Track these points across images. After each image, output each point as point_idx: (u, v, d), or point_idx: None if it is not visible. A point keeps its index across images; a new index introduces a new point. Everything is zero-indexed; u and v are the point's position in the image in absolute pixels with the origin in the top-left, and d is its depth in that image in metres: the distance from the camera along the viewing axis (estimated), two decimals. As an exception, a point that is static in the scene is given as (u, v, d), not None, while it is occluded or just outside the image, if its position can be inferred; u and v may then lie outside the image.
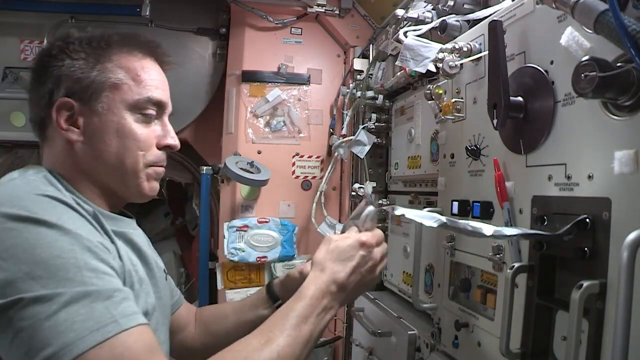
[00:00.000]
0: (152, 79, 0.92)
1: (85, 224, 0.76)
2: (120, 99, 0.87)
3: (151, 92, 0.90)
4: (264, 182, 1.96)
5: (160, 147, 0.93)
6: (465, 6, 1.22)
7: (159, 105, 0.93)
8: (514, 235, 0.77)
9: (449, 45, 1.08)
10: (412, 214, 0.78)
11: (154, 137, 0.92)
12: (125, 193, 0.93)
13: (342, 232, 0.97)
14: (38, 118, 0.89)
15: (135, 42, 0.93)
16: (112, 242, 0.81)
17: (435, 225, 0.74)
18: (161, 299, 0.94)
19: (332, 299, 0.87)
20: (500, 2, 1.08)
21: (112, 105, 0.87)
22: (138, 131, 0.89)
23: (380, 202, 1.79)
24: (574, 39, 0.74)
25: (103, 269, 0.73)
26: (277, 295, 1.09)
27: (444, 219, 0.74)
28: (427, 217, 0.75)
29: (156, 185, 0.95)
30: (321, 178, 2.10)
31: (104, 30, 0.92)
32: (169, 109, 0.97)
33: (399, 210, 0.79)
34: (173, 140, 0.95)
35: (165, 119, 0.96)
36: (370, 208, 0.95)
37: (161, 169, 0.94)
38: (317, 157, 2.14)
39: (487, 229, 0.74)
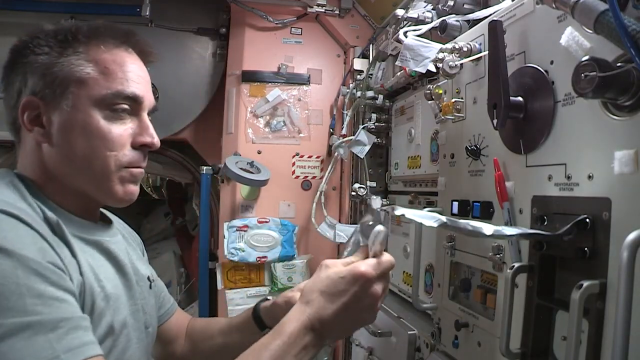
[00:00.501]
0: (124, 71, 0.83)
1: (37, 241, 0.68)
2: (87, 95, 0.80)
3: (122, 85, 0.82)
4: (264, 182, 1.96)
5: (136, 146, 0.84)
6: (465, 6, 1.22)
7: (134, 100, 0.84)
8: (514, 235, 0.77)
9: (449, 45, 1.08)
10: (412, 214, 0.78)
11: (127, 136, 0.84)
12: (99, 197, 0.85)
13: (347, 249, 0.84)
14: (11, 119, 0.84)
15: (107, 33, 0.84)
16: (74, 255, 0.74)
17: (435, 225, 0.74)
18: (138, 312, 0.88)
19: (314, 337, 0.75)
20: (500, 2, 1.08)
21: (78, 102, 0.80)
22: (106, 129, 0.81)
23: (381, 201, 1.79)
24: (574, 39, 0.74)
25: (51, 294, 0.65)
26: (264, 321, 1.02)
27: (444, 218, 0.74)
28: (427, 217, 0.75)
29: (133, 188, 0.86)
30: (321, 178, 2.10)
31: (74, 22, 0.85)
32: (148, 103, 0.87)
33: (399, 210, 0.79)
34: (150, 137, 0.85)
35: (144, 115, 0.87)
36: (380, 228, 0.77)
37: (138, 170, 0.86)
38: (317, 157, 2.14)
39: (487, 228, 0.74)
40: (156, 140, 0.87)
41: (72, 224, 0.79)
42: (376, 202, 0.80)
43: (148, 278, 0.97)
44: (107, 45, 0.83)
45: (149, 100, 0.87)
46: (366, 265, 0.75)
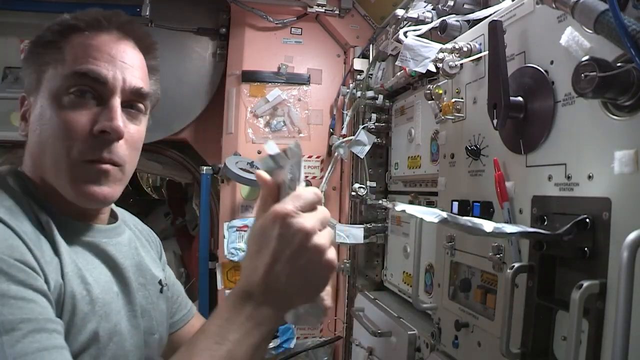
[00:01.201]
0: (85, 51, 0.74)
1: (8, 238, 0.63)
2: (49, 82, 0.75)
3: (80, 64, 0.73)
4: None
5: (96, 135, 0.73)
6: (465, 6, 1.22)
7: (94, 80, 0.73)
8: (514, 234, 0.76)
9: (449, 45, 1.08)
10: (412, 209, 0.77)
11: (85, 122, 0.73)
12: (66, 196, 0.75)
13: None
14: None
15: (86, 17, 0.78)
16: (57, 254, 0.69)
17: (436, 220, 0.73)
18: (137, 318, 0.82)
19: (257, 304, 0.63)
20: (500, 2, 1.08)
21: (43, 92, 0.75)
22: (58, 116, 0.73)
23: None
24: (574, 39, 0.74)
25: (15, 293, 0.59)
26: None
27: (444, 214, 0.74)
28: (428, 213, 0.75)
29: (94, 189, 0.74)
30: (321, 178, 2.09)
31: (65, 14, 0.80)
32: (119, 85, 0.76)
33: (400, 206, 0.79)
34: (110, 122, 0.73)
35: (111, 100, 0.75)
36: (286, 168, 0.67)
37: (100, 167, 0.74)
38: (317, 157, 2.14)
39: (488, 225, 0.74)
40: (114, 125, 0.73)
41: (63, 224, 0.75)
42: (271, 146, 0.67)
43: (160, 282, 0.92)
44: (82, 30, 0.77)
45: (118, 81, 0.76)
46: (280, 203, 0.63)
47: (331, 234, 0.66)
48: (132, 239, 0.91)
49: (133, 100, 0.80)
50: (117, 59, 0.77)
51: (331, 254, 0.64)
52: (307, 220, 0.62)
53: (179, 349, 0.65)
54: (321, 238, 0.63)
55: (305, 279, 0.64)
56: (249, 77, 2.08)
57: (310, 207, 0.64)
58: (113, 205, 0.93)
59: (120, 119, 0.75)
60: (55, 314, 0.66)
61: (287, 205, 0.62)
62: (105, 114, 0.74)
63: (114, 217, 0.90)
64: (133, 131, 0.80)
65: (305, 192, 0.65)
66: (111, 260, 0.81)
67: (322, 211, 0.66)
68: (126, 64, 0.78)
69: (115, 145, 0.76)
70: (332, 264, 0.64)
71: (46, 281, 0.66)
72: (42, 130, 0.75)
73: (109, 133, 0.74)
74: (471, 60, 1.04)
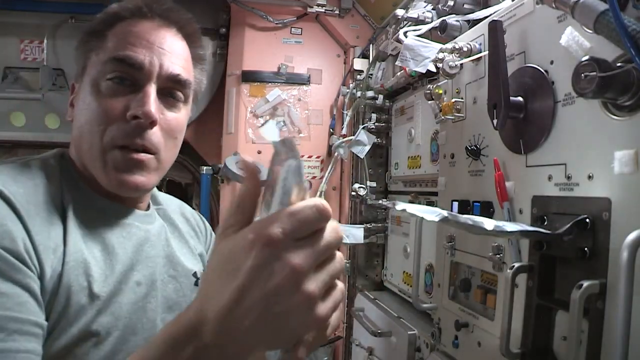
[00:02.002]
0: (125, 38, 0.75)
1: (5, 223, 0.61)
2: (91, 68, 0.77)
3: (118, 50, 0.74)
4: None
5: (129, 120, 0.73)
6: (465, 6, 1.22)
7: (130, 66, 0.73)
8: (514, 232, 0.76)
9: (449, 45, 1.08)
10: (413, 208, 0.77)
11: (120, 108, 0.73)
12: (102, 183, 0.76)
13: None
14: None
15: (130, 6, 0.79)
16: (65, 243, 0.68)
17: (436, 219, 0.73)
18: (153, 311, 0.78)
19: (202, 348, 0.45)
20: (500, 2, 1.08)
21: (86, 78, 0.77)
22: (95, 101, 0.74)
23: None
24: (574, 39, 0.74)
25: None
26: None
27: (445, 212, 0.74)
28: (428, 212, 0.75)
29: (130, 178, 0.74)
30: (321, 178, 2.10)
31: (112, 5, 0.81)
32: (155, 71, 0.75)
33: (400, 205, 0.78)
34: (142, 107, 0.72)
35: (148, 86, 0.74)
36: (291, 163, 0.49)
37: (134, 157, 0.73)
38: (317, 157, 2.14)
39: (488, 223, 0.73)
40: (146, 109, 0.72)
41: (99, 206, 0.75)
42: (269, 128, 0.48)
43: (195, 274, 0.88)
44: (126, 18, 0.78)
45: (155, 67, 0.75)
46: (265, 222, 0.43)
47: (333, 273, 0.46)
48: (163, 230, 0.87)
49: (171, 87, 0.79)
50: (156, 45, 0.76)
51: (323, 308, 0.45)
52: (296, 256, 0.43)
53: None
54: (313, 283, 0.43)
55: (277, 331, 0.44)
56: (249, 77, 2.08)
57: (307, 231, 0.44)
58: (157, 192, 0.94)
59: (153, 105, 0.73)
60: (47, 303, 0.64)
61: (273, 228, 0.42)
62: (138, 100, 0.73)
63: (148, 206, 0.90)
64: (170, 118, 0.79)
65: (303, 209, 0.44)
66: (139, 245, 0.80)
67: (330, 234, 0.45)
68: (164, 50, 0.77)
69: (149, 132, 0.75)
70: (320, 319, 0.44)
71: (41, 270, 0.63)
72: (81, 115, 0.76)
73: (141, 118, 0.73)
74: (471, 60, 1.04)
